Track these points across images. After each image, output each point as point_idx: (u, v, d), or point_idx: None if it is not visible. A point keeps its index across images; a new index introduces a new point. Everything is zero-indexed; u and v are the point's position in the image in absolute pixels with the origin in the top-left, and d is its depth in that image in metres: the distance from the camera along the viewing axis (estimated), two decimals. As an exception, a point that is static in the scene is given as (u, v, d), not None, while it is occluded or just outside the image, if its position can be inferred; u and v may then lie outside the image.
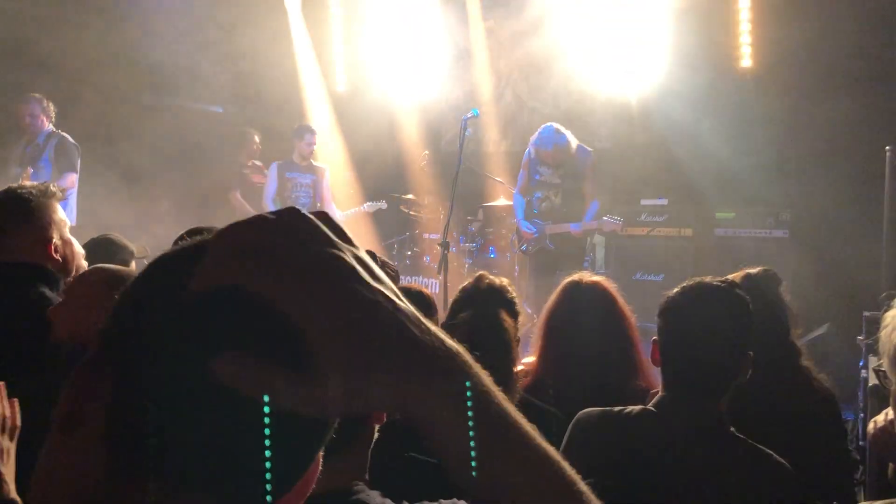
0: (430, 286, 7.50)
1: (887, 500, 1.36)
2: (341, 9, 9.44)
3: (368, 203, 7.32)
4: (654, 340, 2.02)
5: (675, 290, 2.01)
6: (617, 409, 2.07)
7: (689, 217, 7.24)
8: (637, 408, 2.01)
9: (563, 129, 6.38)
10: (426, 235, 8.26)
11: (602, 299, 2.72)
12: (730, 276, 2.47)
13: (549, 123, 6.50)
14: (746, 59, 7.66)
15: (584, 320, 2.66)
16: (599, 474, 1.86)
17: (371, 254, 2.67)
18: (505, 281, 2.47)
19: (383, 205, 7.26)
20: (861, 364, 4.65)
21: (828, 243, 6.49)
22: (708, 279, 2.00)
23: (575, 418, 2.07)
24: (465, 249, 7.68)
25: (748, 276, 2.55)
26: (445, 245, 4.84)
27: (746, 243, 7.04)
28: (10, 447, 1.75)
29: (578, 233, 6.34)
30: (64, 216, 2.66)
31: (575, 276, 2.81)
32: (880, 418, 1.84)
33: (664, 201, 7.34)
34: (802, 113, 7.01)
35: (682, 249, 7.18)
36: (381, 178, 8.48)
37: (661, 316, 2.01)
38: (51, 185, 2.64)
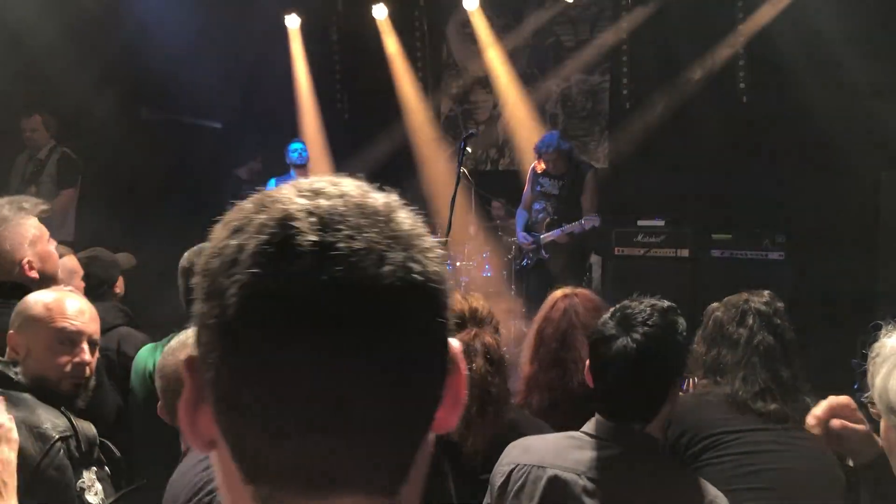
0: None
1: None
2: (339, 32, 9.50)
3: None
4: (587, 364, 2.04)
5: (605, 314, 2.01)
6: (552, 435, 2.13)
7: (686, 238, 7.26)
8: (569, 434, 2.03)
9: (567, 139, 6.43)
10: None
11: (594, 308, 2.74)
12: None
13: (553, 131, 6.57)
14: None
15: (577, 331, 2.68)
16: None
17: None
18: (476, 303, 2.46)
19: None
20: (855, 387, 4.66)
21: (823, 266, 6.52)
22: (637, 302, 1.99)
23: (512, 444, 2.06)
24: (461, 268, 7.69)
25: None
26: (443, 263, 4.84)
27: (742, 265, 7.06)
28: (11, 458, 1.77)
29: (561, 237, 6.33)
30: (40, 230, 2.69)
31: (567, 290, 2.83)
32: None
33: (661, 222, 7.36)
34: (798, 133, 7.08)
35: (678, 270, 7.19)
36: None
37: (590, 342, 2.03)
38: (23, 202, 2.68)
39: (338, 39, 9.46)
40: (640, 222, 7.41)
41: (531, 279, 6.71)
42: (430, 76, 9.43)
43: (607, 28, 8.57)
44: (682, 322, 1.99)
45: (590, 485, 1.87)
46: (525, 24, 8.91)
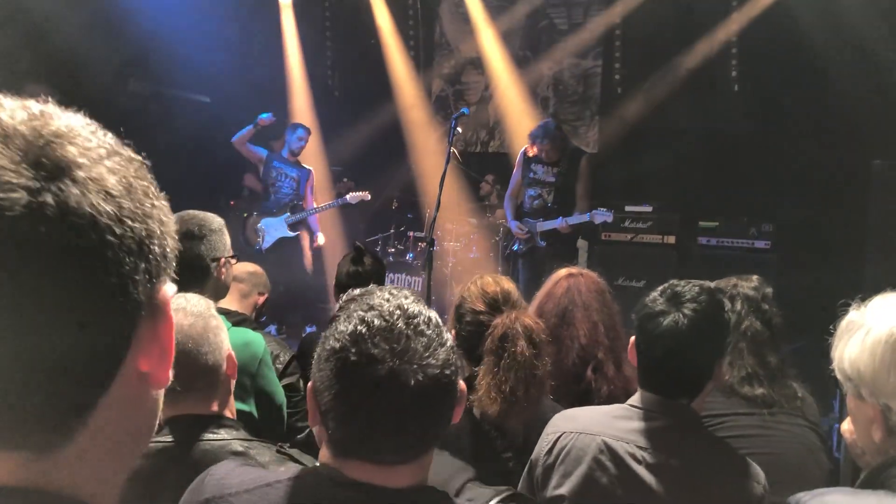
0: (414, 284, 7.50)
1: None
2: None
3: (352, 194, 7.18)
4: (632, 340, 2.06)
5: (653, 292, 2.03)
6: (597, 407, 2.12)
7: (673, 225, 7.28)
8: (616, 406, 2.06)
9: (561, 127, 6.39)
10: (410, 233, 8.26)
11: (597, 290, 2.74)
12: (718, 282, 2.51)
13: (548, 118, 6.52)
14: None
15: (578, 310, 2.68)
16: (587, 475, 1.92)
17: (358, 248, 2.68)
18: (508, 284, 2.43)
19: (367, 196, 7.12)
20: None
21: (810, 255, 6.55)
22: (686, 282, 2.02)
23: (556, 417, 2.09)
24: (448, 249, 7.67)
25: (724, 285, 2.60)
26: (431, 243, 4.82)
27: (729, 253, 7.09)
28: None
29: (564, 227, 6.30)
30: None
31: (574, 269, 2.84)
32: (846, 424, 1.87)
33: (648, 208, 7.36)
34: (788, 123, 7.10)
35: (664, 256, 7.21)
36: (364, 176, 8.46)
37: (638, 317, 2.04)
38: None
39: (330, 16, 9.37)
40: (627, 208, 7.41)
41: (521, 263, 6.69)
42: (422, 56, 9.38)
43: (601, 12, 8.55)
44: (726, 302, 2.04)
45: (639, 452, 1.91)
46: (519, 5, 8.87)
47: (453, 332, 2.33)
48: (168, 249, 0.67)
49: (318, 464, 1.33)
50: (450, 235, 7.72)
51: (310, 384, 1.26)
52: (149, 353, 0.67)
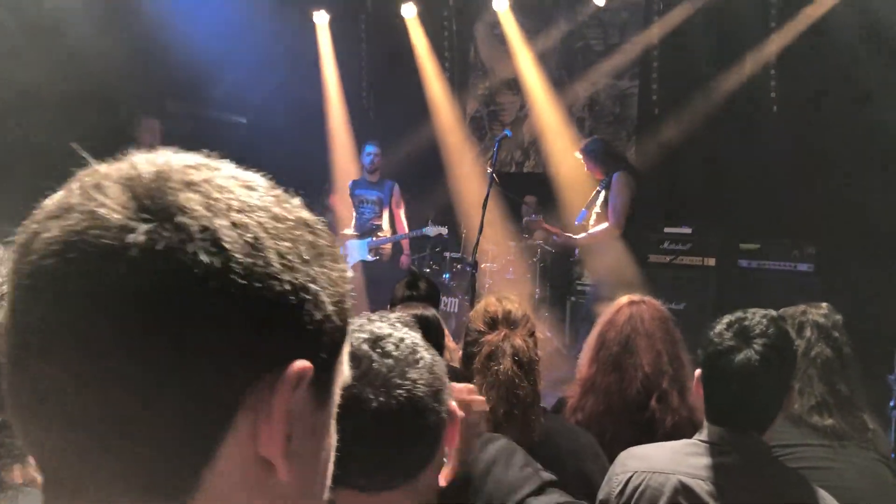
0: (450, 304, 7.50)
1: None
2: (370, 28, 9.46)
3: (430, 227, 7.23)
4: (698, 375, 2.02)
5: (720, 325, 1.99)
6: (666, 443, 2.08)
7: (713, 247, 7.19)
8: (684, 442, 2.02)
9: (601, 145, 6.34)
10: (446, 253, 8.23)
11: (660, 318, 2.70)
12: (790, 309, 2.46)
13: (593, 137, 6.56)
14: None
15: (641, 338, 2.65)
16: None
17: (413, 272, 2.66)
18: (511, 305, 2.42)
19: (444, 231, 7.11)
20: (892, 404, 4.58)
21: (855, 278, 6.42)
22: (751, 313, 1.98)
23: (624, 455, 2.06)
24: (485, 270, 7.64)
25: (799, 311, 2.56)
26: (474, 265, 4.78)
27: (770, 276, 6.99)
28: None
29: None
30: None
31: (635, 296, 2.80)
32: None
33: (688, 229, 7.28)
34: (829, 144, 7.00)
35: (704, 279, 7.13)
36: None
37: (705, 352, 2.00)
38: None
39: (366, 37, 9.43)
40: (666, 229, 7.34)
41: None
42: (457, 76, 9.40)
43: (637, 33, 8.51)
44: (792, 331, 2.04)
45: (716, 490, 1.88)
46: (555, 27, 8.86)
47: (460, 351, 2.35)
48: (307, 320, 0.61)
49: None
50: (486, 256, 7.69)
51: None
52: (265, 436, 0.59)
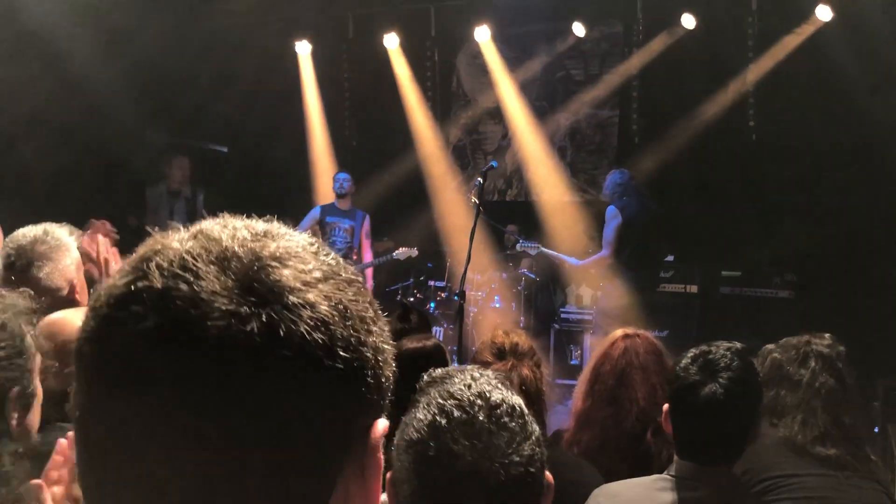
0: (437, 333, 7.46)
1: None
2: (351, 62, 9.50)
3: (401, 249, 7.31)
4: (666, 410, 2.06)
5: (685, 359, 2.03)
6: (636, 479, 2.11)
7: (695, 274, 7.26)
8: (655, 477, 2.05)
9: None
10: (431, 282, 8.23)
11: (654, 352, 2.72)
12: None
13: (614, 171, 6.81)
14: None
15: (636, 372, 2.67)
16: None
17: (405, 305, 2.66)
18: (518, 338, 2.48)
19: (414, 252, 7.22)
20: (875, 430, 4.64)
21: (834, 306, 6.50)
22: (715, 346, 2.02)
23: (597, 492, 2.08)
24: (470, 298, 7.64)
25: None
26: (462, 295, 4.79)
27: (752, 302, 7.06)
28: None
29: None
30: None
31: (630, 330, 2.82)
32: None
33: (671, 258, 7.35)
34: (809, 171, 7.11)
35: (687, 306, 7.19)
36: (383, 224, 8.49)
37: (671, 387, 2.05)
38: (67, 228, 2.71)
39: (348, 67, 9.46)
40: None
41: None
42: (440, 106, 9.45)
43: (618, 63, 8.62)
44: (755, 362, 2.06)
45: None
46: (536, 57, 8.96)
47: None
48: (383, 380, 0.62)
49: None
50: (471, 285, 7.69)
51: (389, 473, 1.22)
52: (359, 498, 0.61)
